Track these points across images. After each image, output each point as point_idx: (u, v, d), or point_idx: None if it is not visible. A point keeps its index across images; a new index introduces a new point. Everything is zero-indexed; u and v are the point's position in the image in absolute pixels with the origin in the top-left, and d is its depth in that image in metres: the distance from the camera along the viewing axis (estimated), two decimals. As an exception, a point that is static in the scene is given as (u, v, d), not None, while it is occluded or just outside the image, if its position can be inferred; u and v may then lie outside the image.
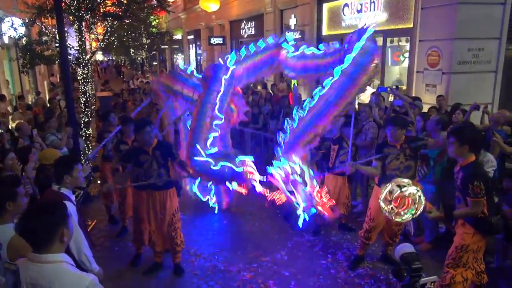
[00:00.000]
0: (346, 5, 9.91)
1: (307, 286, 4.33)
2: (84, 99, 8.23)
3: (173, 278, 4.55)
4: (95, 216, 6.15)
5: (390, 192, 3.01)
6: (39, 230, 1.94)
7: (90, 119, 8.39)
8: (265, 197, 4.59)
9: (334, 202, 4.64)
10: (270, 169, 4.38)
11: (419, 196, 3.02)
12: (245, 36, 15.73)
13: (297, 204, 4.34)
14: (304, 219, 4.42)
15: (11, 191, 2.77)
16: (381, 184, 4.34)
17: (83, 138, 7.91)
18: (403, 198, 2.98)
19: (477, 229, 3.34)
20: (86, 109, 8.27)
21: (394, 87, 8.35)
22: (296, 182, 4.27)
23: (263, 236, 5.50)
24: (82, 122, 8.18)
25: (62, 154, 3.18)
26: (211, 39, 17.03)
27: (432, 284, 2.12)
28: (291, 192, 4.30)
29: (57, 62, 9.01)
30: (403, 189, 2.97)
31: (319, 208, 4.34)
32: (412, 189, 3.00)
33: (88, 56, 8.22)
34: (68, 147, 6.21)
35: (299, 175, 4.29)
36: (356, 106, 8.84)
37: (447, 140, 3.44)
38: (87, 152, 7.87)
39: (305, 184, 4.30)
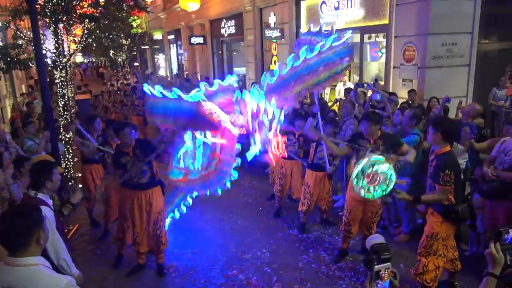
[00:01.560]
0: (323, 2, 10.01)
1: (289, 281, 4.40)
2: (62, 103, 8.12)
3: (156, 278, 4.58)
4: (76, 221, 6.10)
5: (363, 169, 3.05)
6: (14, 233, 1.96)
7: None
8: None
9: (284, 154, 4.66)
10: (245, 96, 4.08)
11: (391, 174, 3.08)
12: (226, 35, 15.74)
13: (254, 142, 4.20)
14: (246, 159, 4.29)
15: None
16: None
17: (63, 141, 7.82)
18: (375, 174, 3.04)
19: (445, 218, 3.50)
20: (65, 113, 8.18)
21: (371, 82, 8.50)
22: (262, 123, 4.14)
23: (245, 233, 5.56)
24: (61, 125, 8.08)
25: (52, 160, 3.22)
26: (192, 38, 16.98)
27: (386, 270, 2.23)
28: (254, 130, 4.15)
29: (32, 65, 8.86)
30: (375, 167, 3.02)
31: (269, 155, 4.31)
32: (384, 167, 3.04)
33: (65, 59, 8.12)
34: (47, 152, 6.14)
35: (269, 119, 4.17)
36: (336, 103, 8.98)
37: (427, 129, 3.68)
38: (67, 155, 7.79)
39: (270, 129, 4.22)
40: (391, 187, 3.10)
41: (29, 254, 2.00)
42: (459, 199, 3.51)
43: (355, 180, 3.07)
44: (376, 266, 2.18)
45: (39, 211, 2.10)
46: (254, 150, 4.18)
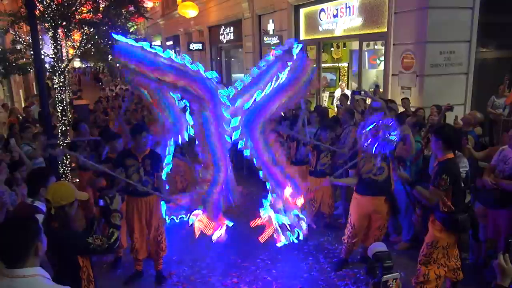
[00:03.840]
0: (322, 10, 10.06)
1: (288, 289, 4.37)
2: (61, 108, 8.10)
3: (155, 286, 4.53)
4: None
5: None
6: (13, 246, 1.92)
7: (68, 127, 8.25)
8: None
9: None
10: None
11: None
12: (224, 42, 15.78)
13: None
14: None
15: None
16: (359, 190, 4.46)
17: (61, 147, 7.77)
18: None
19: (444, 226, 3.49)
20: (63, 118, 8.15)
21: (371, 89, 8.53)
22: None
23: (244, 241, 5.49)
24: (59, 131, 8.04)
25: (70, 186, 2.82)
26: (190, 45, 17.00)
27: (394, 281, 2.21)
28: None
29: (31, 70, 8.85)
30: None
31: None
32: None
33: (64, 64, 8.11)
34: (45, 157, 6.08)
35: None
36: (335, 109, 9.00)
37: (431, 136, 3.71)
38: (64, 161, 7.74)
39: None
40: None
41: (27, 266, 1.96)
42: (459, 208, 3.50)
43: None
44: (384, 276, 2.15)
45: (37, 222, 2.07)
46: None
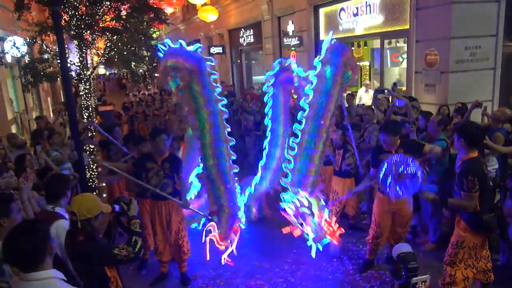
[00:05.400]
0: (342, 9, 9.98)
1: (313, 291, 4.34)
2: (87, 114, 8.31)
3: (180, 287, 4.58)
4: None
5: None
6: (26, 250, 1.97)
7: (94, 133, 8.45)
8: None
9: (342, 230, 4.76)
10: (283, 205, 4.58)
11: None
12: (245, 44, 15.85)
13: (307, 235, 4.51)
14: (318, 249, 4.53)
15: (4, 207, 2.82)
16: (383, 188, 4.37)
17: (87, 152, 7.97)
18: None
19: (470, 226, 3.38)
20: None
21: (387, 89, 8.38)
22: (304, 215, 4.43)
23: (268, 242, 5.51)
24: (86, 137, 8.24)
25: (95, 198, 2.75)
26: (211, 48, 17.14)
27: (423, 283, 2.15)
28: (301, 225, 4.49)
29: (59, 78, 9.12)
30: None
31: (329, 237, 4.51)
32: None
33: (89, 72, 8.32)
34: (73, 160, 6.23)
35: (307, 207, 4.42)
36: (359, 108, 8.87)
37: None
38: (91, 166, 7.93)
39: (313, 215, 4.43)
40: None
41: (42, 268, 2.01)
42: (485, 207, 3.37)
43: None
44: (413, 279, 2.11)
45: (45, 225, 2.14)
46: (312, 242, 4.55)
